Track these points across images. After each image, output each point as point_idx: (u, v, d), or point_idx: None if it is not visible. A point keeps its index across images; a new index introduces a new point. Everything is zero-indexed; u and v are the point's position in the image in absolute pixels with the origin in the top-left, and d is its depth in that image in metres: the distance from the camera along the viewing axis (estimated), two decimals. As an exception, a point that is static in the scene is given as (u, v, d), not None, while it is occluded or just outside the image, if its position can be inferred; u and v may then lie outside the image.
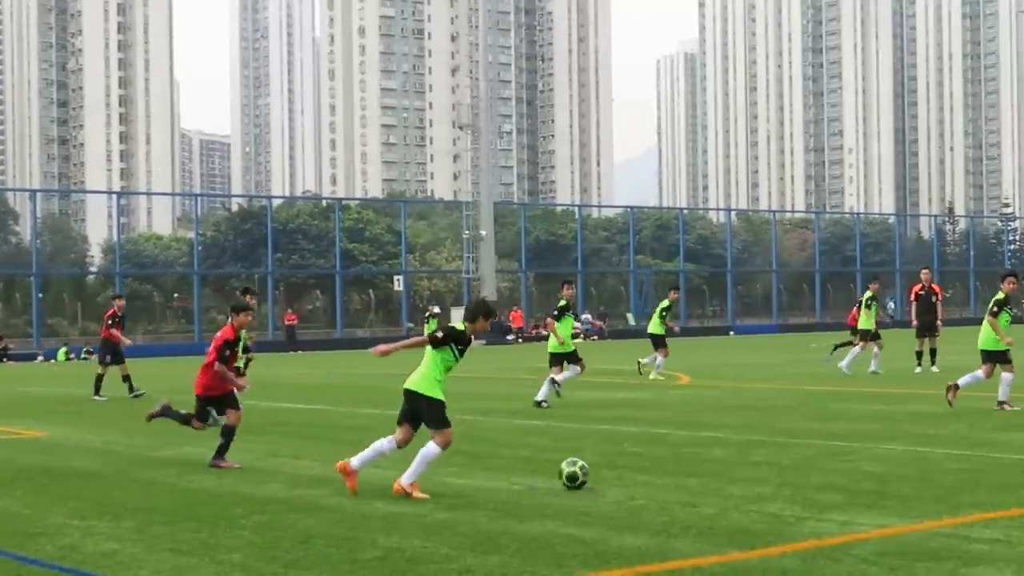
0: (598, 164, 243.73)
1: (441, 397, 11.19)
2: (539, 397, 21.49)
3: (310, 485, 12.26)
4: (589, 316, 67.83)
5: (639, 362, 29.82)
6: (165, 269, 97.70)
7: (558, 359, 22.13)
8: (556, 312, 22.47)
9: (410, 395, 11.29)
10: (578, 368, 22.26)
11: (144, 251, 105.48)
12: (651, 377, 28.46)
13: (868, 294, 29.93)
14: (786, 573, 7.96)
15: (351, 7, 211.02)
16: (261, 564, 8.51)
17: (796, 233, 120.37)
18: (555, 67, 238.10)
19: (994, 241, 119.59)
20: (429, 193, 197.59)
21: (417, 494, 11.07)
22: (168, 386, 27.44)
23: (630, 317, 75.48)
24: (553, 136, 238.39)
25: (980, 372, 18.78)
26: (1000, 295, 18.92)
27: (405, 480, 11.16)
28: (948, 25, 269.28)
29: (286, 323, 63.73)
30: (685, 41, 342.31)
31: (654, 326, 29.73)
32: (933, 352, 29.23)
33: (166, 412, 14.41)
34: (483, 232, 62.06)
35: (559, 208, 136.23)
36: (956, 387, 18.51)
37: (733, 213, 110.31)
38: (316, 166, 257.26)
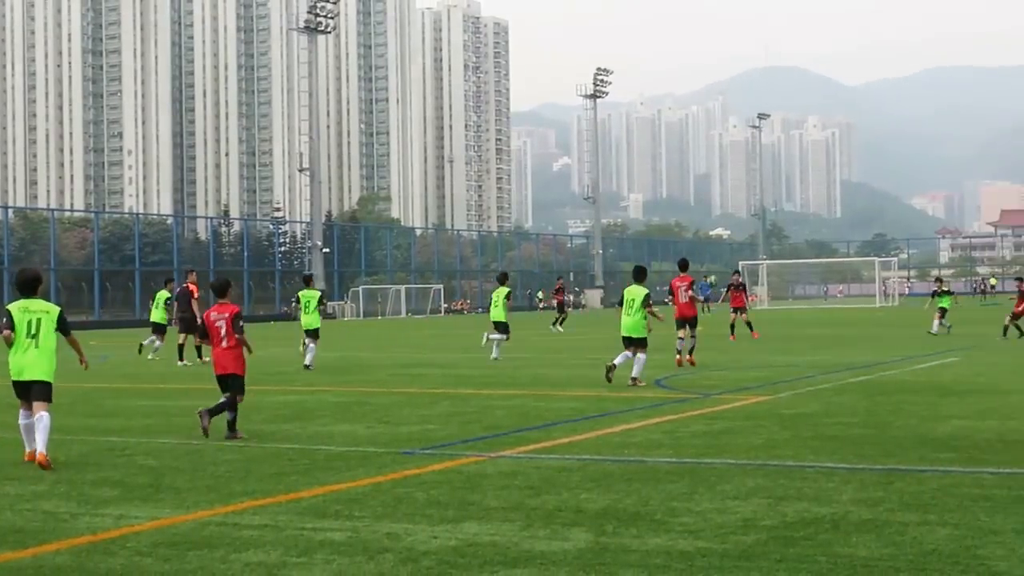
0: None
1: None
2: (307, 362, 27.48)
3: None
4: None
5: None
6: None
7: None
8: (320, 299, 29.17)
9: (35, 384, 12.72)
10: (313, 345, 27.91)
11: None
12: (492, 358, 30.09)
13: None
14: (60, 570, 7.93)
15: None
16: None
17: (76, 232, 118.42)
18: None
19: (267, 243, 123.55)
20: None
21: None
22: None
23: None
24: None
25: (628, 352, 21.45)
26: (645, 290, 21.42)
27: (44, 449, 12.37)
28: (224, 37, 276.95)
29: None
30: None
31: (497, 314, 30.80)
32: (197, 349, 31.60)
33: (213, 412, 14.72)
34: None
35: None
36: (614, 367, 21.22)
37: (11, 211, 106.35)
38: None
